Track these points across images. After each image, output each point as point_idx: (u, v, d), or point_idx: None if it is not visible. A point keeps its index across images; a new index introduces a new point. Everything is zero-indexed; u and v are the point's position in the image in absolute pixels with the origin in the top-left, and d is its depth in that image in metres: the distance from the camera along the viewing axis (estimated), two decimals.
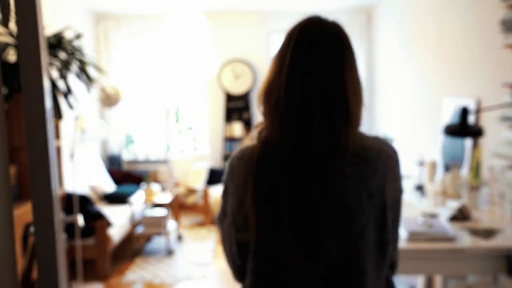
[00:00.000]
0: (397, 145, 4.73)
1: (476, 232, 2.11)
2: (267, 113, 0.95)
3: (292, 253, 0.93)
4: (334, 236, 0.92)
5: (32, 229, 2.49)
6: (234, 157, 1.00)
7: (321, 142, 0.89)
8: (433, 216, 2.37)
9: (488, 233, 2.10)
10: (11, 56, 2.51)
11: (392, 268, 1.09)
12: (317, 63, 0.90)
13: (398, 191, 1.01)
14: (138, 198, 4.59)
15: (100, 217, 3.63)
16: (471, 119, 2.80)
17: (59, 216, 0.76)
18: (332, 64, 0.90)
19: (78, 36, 2.95)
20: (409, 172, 4.14)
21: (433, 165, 3.20)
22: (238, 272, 1.06)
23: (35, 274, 2.55)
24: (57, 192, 0.75)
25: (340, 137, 0.89)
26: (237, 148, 1.03)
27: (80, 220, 2.52)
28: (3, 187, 0.69)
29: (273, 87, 0.93)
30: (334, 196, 0.90)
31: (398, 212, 1.03)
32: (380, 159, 0.94)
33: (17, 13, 0.65)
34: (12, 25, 2.29)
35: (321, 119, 0.89)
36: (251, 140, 0.99)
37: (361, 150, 0.93)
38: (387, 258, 1.01)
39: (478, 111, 2.81)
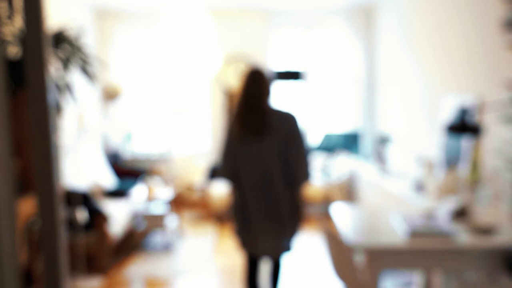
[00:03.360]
0: (396, 142, 4.73)
1: (475, 230, 2.13)
2: (240, 104, 2.47)
3: (251, 158, 2.45)
4: (267, 151, 2.42)
5: (33, 223, 2.51)
6: (229, 123, 2.52)
7: (257, 110, 2.43)
8: (432, 213, 2.39)
9: (486, 231, 2.11)
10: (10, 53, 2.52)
11: (297, 181, 2.46)
12: (254, 86, 2.46)
13: (299, 135, 2.42)
14: (139, 193, 4.60)
15: (98, 212, 3.65)
16: (472, 117, 2.81)
17: (61, 211, 0.77)
18: (258, 85, 2.45)
19: (81, 35, 2.96)
20: (408, 170, 4.14)
21: (433, 162, 3.21)
22: (231, 173, 2.56)
23: (35, 266, 2.57)
24: (60, 187, 0.77)
25: (263, 106, 2.43)
26: (228, 120, 2.55)
27: (83, 215, 2.54)
28: (6, 181, 0.70)
29: (242, 96, 2.47)
30: (266, 136, 2.40)
31: (300, 144, 2.42)
32: (289, 119, 2.43)
33: (24, 10, 0.66)
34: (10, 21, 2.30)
35: (255, 103, 2.44)
36: (231, 116, 2.53)
37: (277, 113, 2.43)
38: (293, 166, 2.44)
39: (479, 108, 2.82)
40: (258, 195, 2.43)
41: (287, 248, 2.51)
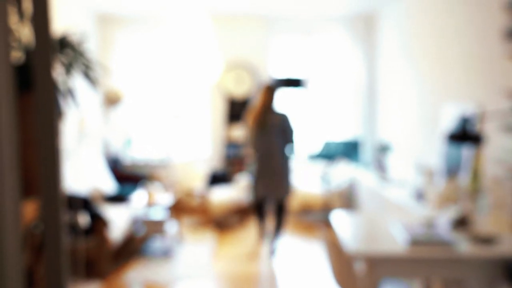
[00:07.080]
0: (396, 150, 4.74)
1: (476, 239, 2.13)
2: (257, 109, 4.16)
3: (263, 139, 4.16)
4: (272, 136, 4.13)
5: (35, 226, 2.50)
6: (251, 121, 4.19)
7: (268, 113, 4.12)
8: (432, 221, 2.39)
9: (487, 240, 2.11)
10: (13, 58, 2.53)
11: (288, 154, 4.22)
12: (268, 97, 4.14)
13: (290, 127, 4.15)
14: (139, 198, 4.60)
15: (98, 217, 3.65)
16: (472, 126, 2.81)
17: (64, 214, 0.78)
18: (270, 97, 4.14)
19: (83, 40, 2.97)
20: (408, 178, 4.14)
21: (433, 171, 3.21)
22: (254, 148, 4.24)
23: (36, 270, 2.57)
24: (64, 191, 0.77)
25: (271, 110, 4.15)
26: (249, 119, 4.24)
27: (84, 220, 2.54)
28: (13, 185, 0.71)
29: (260, 104, 4.16)
30: (272, 127, 4.11)
31: (290, 133, 4.15)
32: (285, 117, 4.13)
33: (33, 17, 0.67)
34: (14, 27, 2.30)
35: (267, 108, 4.14)
36: (249, 116, 4.24)
37: (277, 114, 4.13)
38: (286, 145, 4.17)
39: (480, 117, 2.82)
40: (267, 163, 4.13)
41: (285, 193, 4.20)
